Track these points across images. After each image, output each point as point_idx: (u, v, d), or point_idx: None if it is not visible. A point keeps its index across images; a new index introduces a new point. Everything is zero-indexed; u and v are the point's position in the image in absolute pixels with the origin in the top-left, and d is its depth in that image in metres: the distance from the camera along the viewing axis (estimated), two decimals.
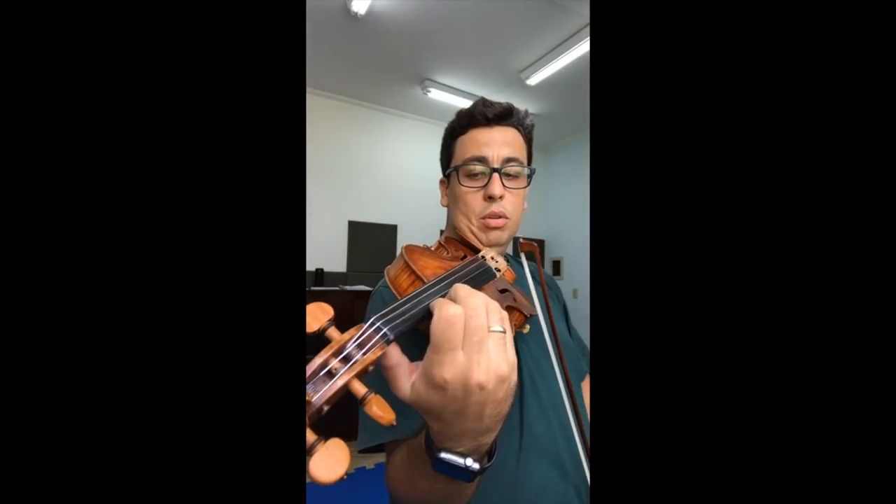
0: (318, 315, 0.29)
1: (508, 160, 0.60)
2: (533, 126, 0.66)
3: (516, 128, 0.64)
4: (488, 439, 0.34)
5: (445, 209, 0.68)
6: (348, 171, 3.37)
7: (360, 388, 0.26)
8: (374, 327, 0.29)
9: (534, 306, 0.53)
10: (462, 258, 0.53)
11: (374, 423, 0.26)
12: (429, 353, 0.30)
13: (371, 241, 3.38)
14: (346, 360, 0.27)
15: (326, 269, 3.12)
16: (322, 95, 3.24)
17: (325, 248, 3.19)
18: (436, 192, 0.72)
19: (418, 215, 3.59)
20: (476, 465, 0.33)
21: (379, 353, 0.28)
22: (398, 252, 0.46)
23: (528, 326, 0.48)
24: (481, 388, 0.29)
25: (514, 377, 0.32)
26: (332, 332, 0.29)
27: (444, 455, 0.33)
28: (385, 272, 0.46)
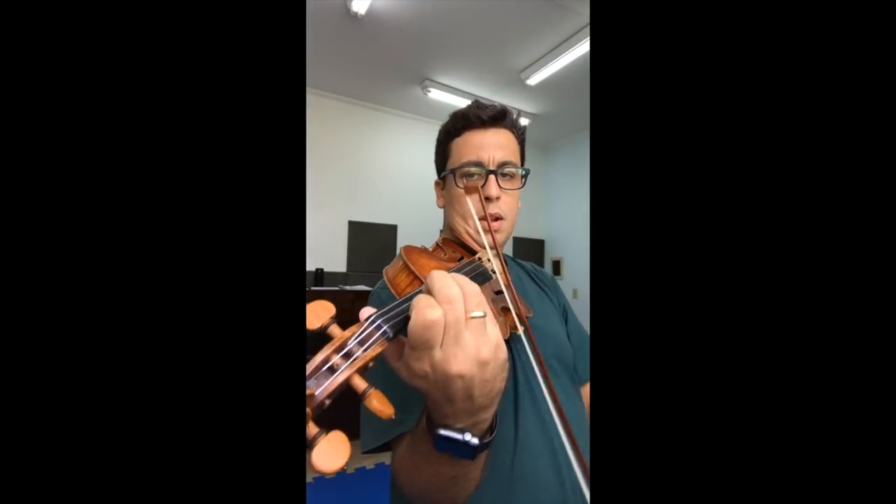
0: (319, 313, 0.30)
1: (504, 164, 0.62)
2: (525, 127, 0.70)
3: (510, 129, 0.66)
4: (486, 415, 0.34)
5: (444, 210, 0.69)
6: (348, 171, 3.36)
7: (360, 384, 0.27)
8: (374, 324, 0.29)
9: (530, 308, 0.53)
10: (459, 260, 0.53)
11: (377, 423, 0.27)
12: (407, 349, 0.30)
13: (371, 241, 3.37)
14: (347, 356, 0.27)
15: (326, 269, 3.12)
16: (322, 95, 3.24)
17: (325, 248, 3.19)
18: None
19: (418, 215, 3.58)
20: (475, 440, 0.34)
21: (379, 350, 0.29)
22: (398, 252, 0.46)
23: (522, 327, 0.48)
24: (461, 376, 0.30)
25: (501, 354, 0.32)
26: (334, 330, 0.29)
27: (442, 431, 0.33)
28: (384, 272, 0.46)
